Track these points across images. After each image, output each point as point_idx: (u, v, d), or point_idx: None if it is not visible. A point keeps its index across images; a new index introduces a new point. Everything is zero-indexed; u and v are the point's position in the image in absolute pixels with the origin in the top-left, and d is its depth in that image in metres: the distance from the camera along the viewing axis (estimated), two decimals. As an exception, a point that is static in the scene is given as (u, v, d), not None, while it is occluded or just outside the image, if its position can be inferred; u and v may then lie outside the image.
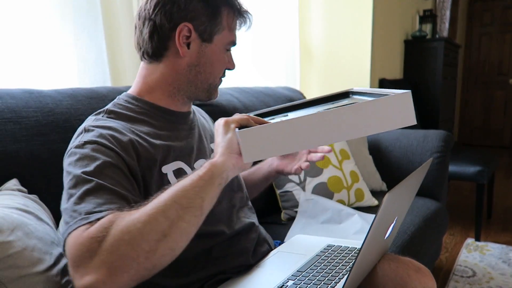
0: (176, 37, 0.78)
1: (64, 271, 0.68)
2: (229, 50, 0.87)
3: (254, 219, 0.95)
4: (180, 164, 0.81)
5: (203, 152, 0.89)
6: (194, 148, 0.86)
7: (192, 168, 0.83)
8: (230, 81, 2.02)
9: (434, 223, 1.55)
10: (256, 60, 2.23)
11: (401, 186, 0.61)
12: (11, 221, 0.64)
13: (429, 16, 3.33)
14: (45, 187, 0.91)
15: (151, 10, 0.79)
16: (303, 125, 0.58)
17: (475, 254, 2.14)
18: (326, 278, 0.77)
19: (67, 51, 1.28)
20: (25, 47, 1.19)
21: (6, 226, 0.62)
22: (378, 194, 1.67)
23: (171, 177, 0.77)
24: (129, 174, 0.70)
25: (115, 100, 0.85)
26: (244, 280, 0.80)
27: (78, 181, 0.64)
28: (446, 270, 2.00)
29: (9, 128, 0.88)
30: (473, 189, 3.42)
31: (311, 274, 0.79)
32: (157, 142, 0.78)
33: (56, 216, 0.86)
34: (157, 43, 0.80)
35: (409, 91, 0.54)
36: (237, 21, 0.86)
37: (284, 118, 0.63)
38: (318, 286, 0.74)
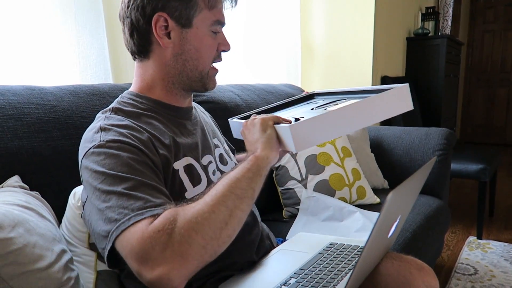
0: (154, 29, 0.77)
1: (66, 267, 0.68)
2: (218, 31, 0.82)
3: (256, 215, 0.95)
4: (189, 160, 0.80)
5: (208, 147, 0.88)
6: (199, 144, 0.86)
7: (200, 164, 0.83)
8: (232, 78, 2.01)
9: (436, 221, 1.54)
10: (258, 58, 2.22)
11: (404, 185, 0.61)
12: (13, 218, 0.64)
13: (431, 14, 3.32)
14: (47, 184, 0.91)
15: (126, 7, 0.78)
16: (339, 116, 0.72)
17: (477, 252, 2.14)
18: (329, 277, 0.77)
19: (68, 48, 1.28)
20: (27, 44, 1.18)
21: (7, 222, 0.62)
22: (380, 192, 1.67)
23: (181, 173, 0.77)
24: (156, 169, 0.71)
25: (118, 98, 0.84)
26: (247, 278, 0.80)
27: (114, 180, 0.64)
28: (448, 268, 1.99)
29: (10, 124, 0.88)
30: (475, 187, 3.41)
31: (314, 272, 0.79)
32: (167, 138, 0.78)
33: (58, 213, 0.86)
34: (138, 40, 0.79)
35: (407, 84, 0.71)
36: (216, 1, 0.80)
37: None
38: (321, 285, 0.74)
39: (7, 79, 1.15)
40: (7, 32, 1.14)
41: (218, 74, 0.87)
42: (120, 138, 0.69)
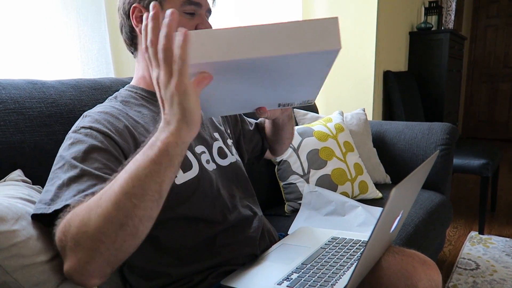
0: (132, 21, 0.82)
1: None
2: (193, 12, 0.81)
3: (257, 209, 0.95)
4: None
5: (202, 139, 0.89)
6: None
7: (193, 151, 0.84)
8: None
9: (438, 216, 1.54)
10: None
11: (407, 180, 0.61)
12: (16, 211, 0.64)
13: (434, 8, 3.29)
14: (48, 177, 0.91)
15: (117, 11, 0.87)
16: (245, 34, 0.56)
17: (479, 247, 2.14)
18: (331, 271, 0.77)
19: (70, 42, 1.27)
20: (29, 38, 1.18)
21: (10, 215, 0.62)
22: (382, 186, 1.67)
23: None
24: (123, 158, 0.71)
25: (119, 90, 0.90)
26: (249, 272, 0.80)
27: (66, 166, 0.66)
28: (450, 262, 1.99)
29: (12, 118, 0.88)
30: (477, 182, 3.41)
31: (316, 267, 0.79)
32: (152, 126, 0.81)
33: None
34: (126, 35, 0.86)
35: (336, 17, 0.58)
36: None
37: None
38: (323, 279, 0.74)
39: (9, 73, 1.15)
40: (9, 26, 1.14)
41: None
42: (93, 124, 0.72)
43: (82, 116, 0.78)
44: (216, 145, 0.92)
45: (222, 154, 0.92)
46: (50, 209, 0.61)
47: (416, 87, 3.07)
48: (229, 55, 0.56)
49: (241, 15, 2.02)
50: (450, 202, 1.75)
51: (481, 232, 2.32)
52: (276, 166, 1.52)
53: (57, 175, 0.66)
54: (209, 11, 0.86)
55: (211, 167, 0.87)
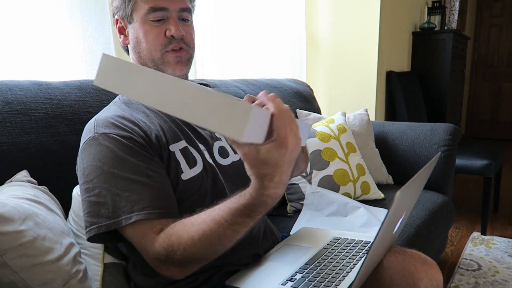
0: (117, 32, 0.90)
1: (74, 260, 0.69)
2: (160, 19, 0.82)
3: None
4: (185, 143, 0.83)
5: (202, 138, 0.90)
6: (193, 132, 0.89)
7: (196, 148, 0.85)
8: (236, 73, 2.01)
9: (440, 217, 1.54)
10: (263, 52, 2.22)
11: (411, 183, 0.61)
12: (22, 211, 0.65)
13: (438, 8, 3.29)
14: (54, 179, 0.92)
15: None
16: (159, 81, 0.53)
17: (481, 248, 2.14)
18: (334, 272, 0.77)
19: (74, 43, 1.28)
20: (34, 40, 1.19)
21: (17, 216, 0.63)
22: (384, 187, 1.67)
23: (178, 155, 0.80)
24: (151, 155, 0.75)
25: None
26: (253, 273, 0.80)
27: (107, 176, 0.70)
28: (452, 263, 2.00)
29: (18, 120, 0.89)
30: (479, 183, 3.40)
31: (319, 268, 0.79)
32: (158, 125, 0.82)
33: (65, 207, 0.87)
34: (122, 42, 0.91)
35: (251, 107, 0.49)
36: None
37: None
38: (327, 280, 0.74)
39: (15, 74, 1.16)
40: (14, 28, 1.15)
41: (179, 59, 0.85)
42: (111, 130, 0.74)
43: (94, 121, 0.78)
44: (217, 144, 0.92)
45: (224, 153, 0.93)
46: (121, 224, 0.68)
47: (419, 87, 3.07)
48: (156, 102, 0.53)
49: (243, 13, 2.02)
50: (452, 202, 1.75)
51: (483, 232, 2.32)
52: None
53: (101, 185, 0.70)
54: (184, 10, 0.85)
55: (211, 161, 0.88)
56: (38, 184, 0.85)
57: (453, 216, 1.73)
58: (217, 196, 0.84)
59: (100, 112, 0.83)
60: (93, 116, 0.82)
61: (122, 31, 0.89)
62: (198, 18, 1.76)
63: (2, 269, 0.59)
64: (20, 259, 0.61)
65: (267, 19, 2.21)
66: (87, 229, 0.70)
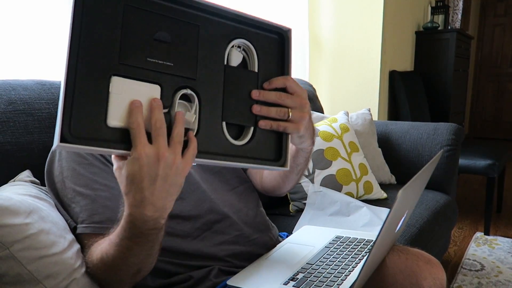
0: None
1: (77, 254, 0.70)
2: None
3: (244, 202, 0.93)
4: None
5: None
6: None
7: None
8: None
9: (443, 217, 1.54)
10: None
11: (413, 182, 0.61)
12: (28, 205, 0.66)
13: (441, 7, 3.28)
14: (57, 178, 0.92)
15: None
16: None
17: (484, 248, 2.13)
18: (336, 271, 0.77)
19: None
20: (36, 38, 1.19)
21: (23, 209, 0.64)
22: (386, 187, 1.67)
23: None
24: (105, 164, 0.76)
25: None
26: (254, 272, 0.80)
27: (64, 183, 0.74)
28: (455, 263, 1.99)
29: (22, 119, 0.90)
30: (482, 183, 3.39)
31: (321, 267, 0.79)
32: None
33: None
34: None
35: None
36: None
37: None
38: (329, 279, 0.74)
39: (18, 73, 1.17)
40: (18, 26, 1.15)
41: None
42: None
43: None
44: None
45: None
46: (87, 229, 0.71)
47: (422, 87, 3.06)
48: None
49: (248, 8, 2.02)
50: (456, 202, 1.75)
51: (486, 233, 2.31)
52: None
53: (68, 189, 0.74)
54: None
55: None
56: (41, 185, 0.85)
57: (456, 216, 1.72)
58: (191, 195, 0.83)
59: None
60: None
61: None
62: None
63: (9, 262, 0.60)
64: (27, 252, 0.62)
65: (270, 18, 2.21)
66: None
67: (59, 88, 1.01)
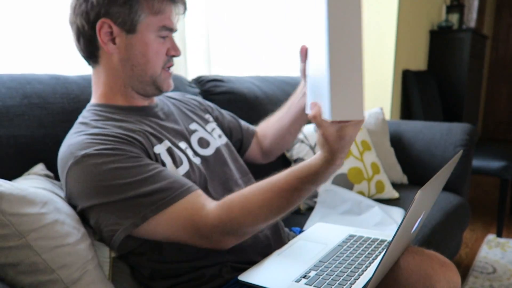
0: (98, 35, 0.78)
1: (90, 247, 0.70)
2: (166, 36, 0.82)
3: None
4: (168, 144, 0.82)
5: (181, 134, 0.89)
6: (172, 132, 0.87)
7: (179, 148, 0.84)
8: (251, 70, 2.01)
9: (456, 218, 1.52)
10: (278, 49, 2.21)
11: (432, 182, 0.60)
12: (43, 196, 0.66)
13: (456, 6, 3.23)
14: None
15: (71, 13, 0.79)
16: None
17: (496, 251, 2.10)
18: (349, 270, 0.77)
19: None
20: (51, 32, 1.20)
21: (39, 199, 0.64)
22: (398, 186, 1.65)
23: (164, 156, 0.80)
24: (141, 158, 0.75)
25: (82, 114, 0.85)
26: (266, 269, 0.80)
27: (114, 189, 0.70)
28: (466, 266, 1.97)
29: (36, 113, 0.90)
30: (495, 184, 3.35)
31: (334, 265, 0.79)
32: (141, 127, 0.81)
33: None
34: (85, 45, 0.80)
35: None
36: (161, 6, 0.79)
37: None
38: (342, 278, 0.74)
39: (33, 66, 1.18)
40: (32, 20, 1.16)
41: (172, 74, 0.86)
42: (91, 149, 0.72)
43: (67, 147, 0.75)
44: (195, 137, 0.92)
45: (203, 144, 0.92)
46: (169, 203, 0.71)
47: (436, 86, 3.02)
48: None
49: (258, 10, 2.01)
50: (468, 204, 1.72)
51: (499, 235, 2.27)
52: (292, 164, 1.52)
53: (114, 199, 0.71)
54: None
55: (197, 160, 0.88)
56: (54, 178, 0.86)
57: (469, 217, 1.70)
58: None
59: (66, 140, 0.78)
60: None
61: (108, 36, 0.78)
62: (213, 15, 1.75)
63: (25, 250, 0.60)
64: (42, 241, 0.62)
65: (282, 16, 2.20)
66: (117, 233, 0.70)
67: (73, 82, 1.02)
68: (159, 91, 0.85)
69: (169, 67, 0.85)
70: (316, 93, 0.69)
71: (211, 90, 1.45)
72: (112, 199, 0.69)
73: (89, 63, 0.84)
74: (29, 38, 1.16)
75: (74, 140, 0.75)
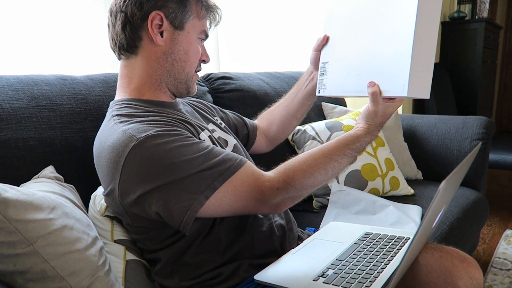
0: (149, 26, 0.79)
1: (101, 252, 0.69)
2: (202, 39, 0.88)
3: None
4: (208, 132, 0.86)
5: (207, 128, 0.90)
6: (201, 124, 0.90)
7: (213, 137, 0.87)
8: (261, 67, 1.98)
9: (474, 214, 1.48)
10: (287, 45, 2.18)
11: (454, 174, 0.58)
12: (51, 201, 0.65)
13: (468, -4, 3.17)
14: (79, 175, 0.92)
15: (122, 2, 0.81)
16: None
17: (515, 246, 2.05)
18: (368, 268, 0.74)
19: (99, 36, 1.28)
20: (58, 32, 1.19)
21: (46, 204, 0.63)
22: (413, 182, 1.61)
23: (208, 142, 0.81)
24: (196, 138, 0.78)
25: (113, 107, 0.82)
26: (282, 268, 0.78)
27: (184, 165, 0.70)
28: (484, 262, 1.92)
29: (44, 115, 0.89)
30: (511, 178, 3.28)
31: (352, 263, 0.76)
32: (184, 116, 0.85)
33: (87, 203, 0.87)
34: (130, 33, 0.81)
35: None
36: (206, 13, 0.86)
37: None
38: (361, 276, 0.71)
39: (40, 67, 1.17)
40: (40, 21, 1.15)
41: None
42: (151, 131, 0.72)
43: (123, 133, 0.72)
44: (215, 135, 0.92)
45: (222, 142, 0.93)
46: (235, 169, 0.74)
47: (448, 79, 2.96)
48: None
49: (267, 5, 1.99)
50: (486, 199, 1.68)
51: (517, 230, 2.22)
52: (304, 162, 1.49)
53: (184, 174, 0.71)
54: None
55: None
56: (64, 181, 0.84)
57: (487, 213, 1.65)
58: None
59: (109, 131, 0.76)
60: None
61: (157, 29, 0.80)
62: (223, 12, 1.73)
63: (33, 258, 0.59)
64: (50, 247, 0.61)
65: (291, 11, 2.17)
66: (191, 207, 0.69)
67: (80, 83, 1.01)
68: (187, 92, 0.88)
69: (197, 71, 0.89)
70: (365, 74, 0.79)
71: (220, 88, 1.43)
72: (180, 175, 0.69)
73: (124, 54, 0.83)
74: (34, 39, 1.15)
75: (126, 127, 0.73)
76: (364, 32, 0.81)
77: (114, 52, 0.85)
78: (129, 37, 0.81)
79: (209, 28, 0.89)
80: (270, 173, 0.76)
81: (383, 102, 0.78)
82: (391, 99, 0.78)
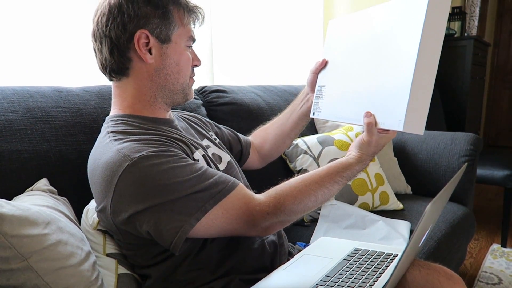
0: (136, 46, 0.79)
1: (94, 267, 0.69)
2: (190, 46, 0.87)
3: None
4: (202, 151, 0.86)
5: (202, 147, 0.90)
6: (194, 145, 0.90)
7: (208, 156, 0.87)
8: (254, 79, 2.00)
9: (461, 229, 1.50)
10: (280, 58, 2.21)
11: (440, 195, 0.60)
12: (46, 215, 0.65)
13: (458, 14, 3.23)
14: (73, 188, 0.92)
15: (104, 27, 0.79)
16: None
17: (501, 261, 2.08)
18: (356, 285, 0.75)
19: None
20: (53, 44, 1.20)
21: (41, 219, 0.63)
22: (402, 197, 1.64)
23: (201, 162, 0.82)
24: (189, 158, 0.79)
25: (108, 123, 0.83)
26: (272, 284, 0.79)
27: (175, 187, 0.71)
28: (471, 276, 1.95)
29: (39, 127, 0.90)
30: (497, 193, 3.33)
31: (341, 280, 0.77)
32: (179, 135, 0.85)
33: (80, 217, 0.87)
34: (119, 57, 0.80)
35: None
36: (189, 17, 0.85)
37: None
38: None
39: (34, 79, 1.17)
40: (35, 31, 1.16)
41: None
42: (145, 151, 0.72)
43: (118, 152, 0.72)
44: (209, 152, 0.93)
45: (216, 159, 0.94)
46: (226, 192, 0.74)
47: (438, 94, 3.02)
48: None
49: (260, 18, 2.02)
50: (473, 214, 1.71)
51: (503, 245, 2.26)
52: (295, 175, 1.51)
53: (175, 196, 0.71)
54: None
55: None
56: (58, 193, 0.85)
57: (474, 228, 1.68)
58: None
59: (103, 148, 0.76)
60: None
61: (144, 46, 0.79)
62: (214, 24, 1.75)
63: (27, 273, 0.59)
64: (45, 263, 0.61)
65: (284, 24, 2.20)
66: (182, 229, 0.69)
67: (75, 95, 1.01)
68: (185, 99, 0.89)
69: (192, 77, 0.89)
70: (362, 103, 0.81)
71: (214, 101, 1.45)
72: (172, 197, 0.70)
73: (115, 77, 0.83)
74: (29, 50, 1.16)
75: (121, 146, 0.73)
76: (365, 61, 0.81)
77: (105, 75, 0.84)
78: (118, 61, 0.80)
79: (194, 27, 0.88)
80: (261, 197, 0.77)
81: (378, 133, 0.80)
82: (385, 130, 0.79)
